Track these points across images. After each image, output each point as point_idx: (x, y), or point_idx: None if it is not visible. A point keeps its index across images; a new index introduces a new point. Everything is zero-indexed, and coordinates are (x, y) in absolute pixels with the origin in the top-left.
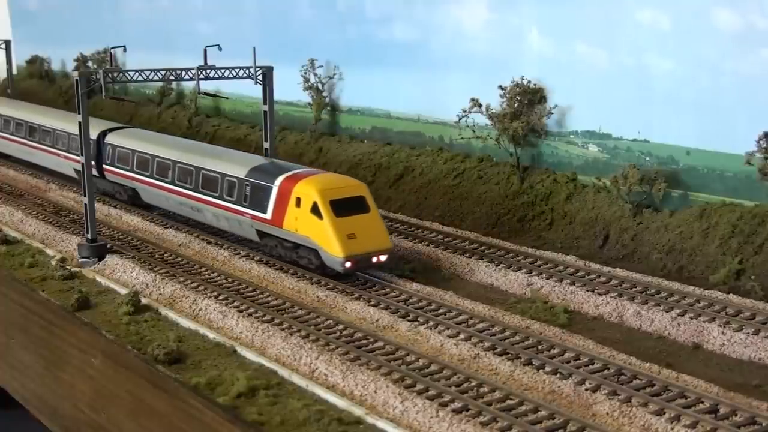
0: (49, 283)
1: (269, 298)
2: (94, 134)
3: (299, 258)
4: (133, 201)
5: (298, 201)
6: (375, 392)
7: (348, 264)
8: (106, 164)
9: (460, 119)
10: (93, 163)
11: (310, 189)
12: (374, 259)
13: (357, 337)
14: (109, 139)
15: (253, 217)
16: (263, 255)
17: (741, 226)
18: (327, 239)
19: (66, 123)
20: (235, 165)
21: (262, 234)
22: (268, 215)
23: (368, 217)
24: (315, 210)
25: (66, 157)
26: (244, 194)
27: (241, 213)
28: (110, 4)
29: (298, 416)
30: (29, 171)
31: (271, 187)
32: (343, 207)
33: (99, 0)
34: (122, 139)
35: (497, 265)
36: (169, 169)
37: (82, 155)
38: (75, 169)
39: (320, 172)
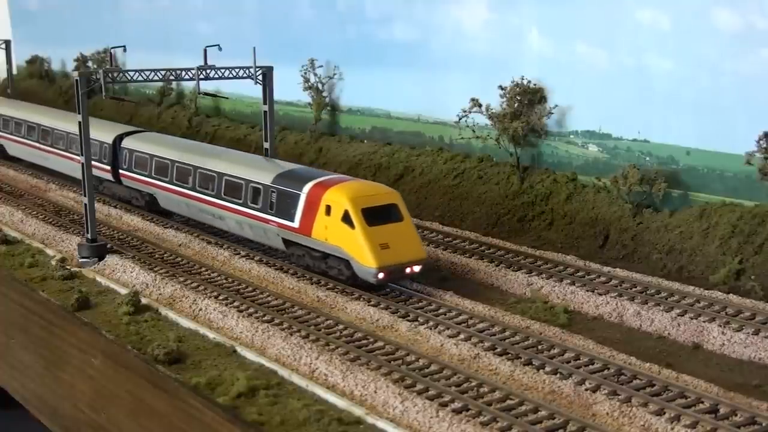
0: (49, 283)
1: (269, 298)
2: (109, 138)
3: (329, 268)
4: (151, 207)
5: (328, 209)
6: (375, 392)
7: (381, 275)
8: (122, 169)
9: (460, 119)
10: (109, 168)
11: (340, 196)
12: (408, 270)
13: (357, 337)
14: (126, 143)
15: (280, 225)
16: (263, 255)
17: (741, 226)
18: (359, 249)
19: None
20: (260, 171)
21: (288, 243)
22: (295, 223)
23: (401, 226)
24: (346, 218)
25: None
26: (270, 201)
27: (267, 221)
28: (110, 4)
29: (298, 416)
30: (29, 171)
31: (299, 195)
32: (376, 215)
33: (99, 0)
34: (140, 144)
35: (497, 265)
36: (189, 174)
37: (82, 155)
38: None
39: (350, 178)
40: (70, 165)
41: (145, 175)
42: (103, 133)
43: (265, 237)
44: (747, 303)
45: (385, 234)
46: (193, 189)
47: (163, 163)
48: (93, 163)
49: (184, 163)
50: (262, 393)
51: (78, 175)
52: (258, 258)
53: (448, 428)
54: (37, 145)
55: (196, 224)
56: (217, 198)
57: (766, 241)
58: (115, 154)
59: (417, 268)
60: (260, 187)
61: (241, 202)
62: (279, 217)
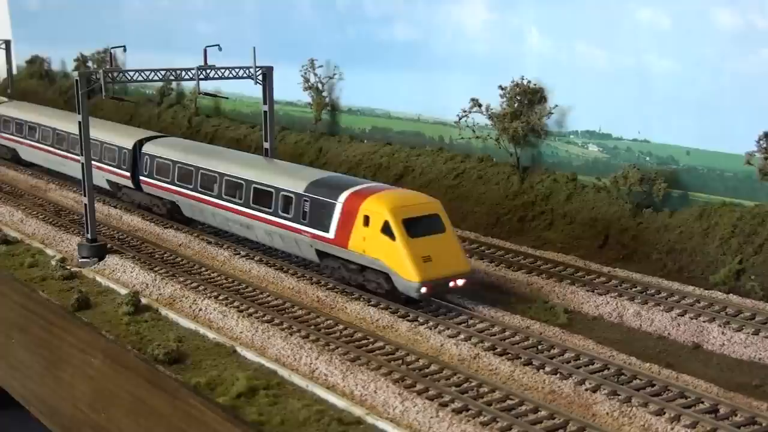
0: (49, 283)
1: (269, 298)
2: (129, 143)
3: (366, 282)
4: (172, 215)
5: (367, 219)
6: (375, 392)
7: (424, 289)
8: (143, 175)
9: (460, 119)
10: (128, 174)
11: (380, 206)
12: (451, 284)
13: (357, 337)
14: (147, 148)
15: (313, 236)
16: (263, 255)
17: (741, 226)
18: (400, 262)
19: (97, 131)
20: (291, 179)
21: (322, 254)
22: (330, 234)
23: (444, 238)
24: (386, 230)
25: (99, 168)
26: (303, 211)
27: (299, 231)
28: (110, 4)
29: (298, 416)
30: (29, 171)
31: (334, 204)
32: (417, 226)
33: (99, 0)
34: (161, 149)
35: (497, 265)
36: (215, 182)
37: (82, 155)
38: (108, 180)
39: (388, 187)
40: None
41: (167, 182)
42: (122, 138)
43: (297, 248)
44: (747, 303)
45: (428, 246)
46: (219, 197)
47: (186, 169)
48: (111, 169)
49: (210, 170)
50: (262, 393)
51: (96, 182)
52: (258, 258)
53: (448, 428)
54: (53, 149)
55: (196, 224)
56: (245, 206)
57: (766, 241)
58: (135, 159)
59: (460, 282)
60: (292, 195)
61: (271, 211)
62: (312, 228)
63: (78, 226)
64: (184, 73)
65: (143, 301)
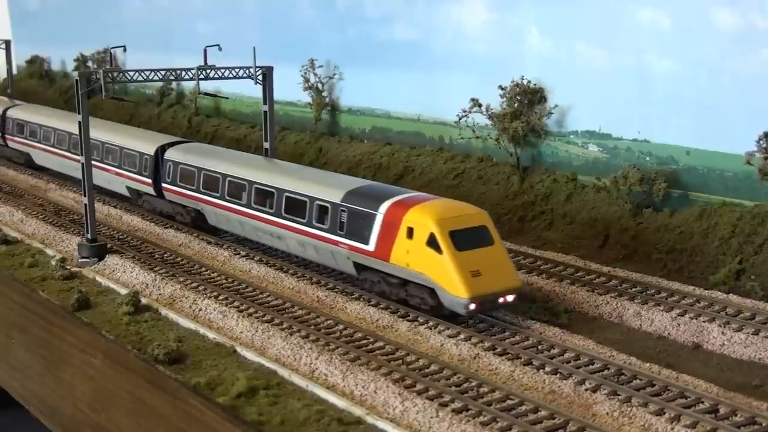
0: (49, 283)
1: (269, 298)
2: (151, 149)
3: (409, 297)
4: (196, 224)
5: (410, 231)
6: (375, 392)
7: (473, 306)
8: (165, 183)
9: (460, 119)
10: (150, 181)
11: (425, 218)
12: (500, 300)
13: (357, 337)
14: (170, 155)
15: (351, 248)
16: (263, 255)
17: (741, 226)
18: (447, 277)
19: (117, 135)
20: (327, 187)
21: (360, 267)
22: (370, 246)
23: (493, 251)
24: (432, 242)
25: (118, 174)
26: (340, 221)
27: (336, 243)
28: (110, 4)
29: (298, 416)
30: (29, 171)
31: (375, 215)
32: (465, 239)
33: (99, 0)
34: (185, 155)
35: None
36: (244, 190)
37: (82, 155)
38: (128, 187)
39: (431, 197)
40: (105, 177)
41: (191, 190)
42: (143, 143)
43: (333, 260)
44: (747, 303)
45: (476, 260)
46: (247, 206)
47: (213, 176)
48: (132, 175)
49: (238, 178)
50: (262, 393)
51: (112, 187)
52: (258, 258)
53: (448, 428)
54: (69, 154)
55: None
56: (276, 216)
57: (766, 241)
58: (156, 166)
59: (510, 298)
60: (328, 205)
61: (305, 221)
62: (350, 239)
63: (78, 226)
64: (184, 73)
65: (143, 301)
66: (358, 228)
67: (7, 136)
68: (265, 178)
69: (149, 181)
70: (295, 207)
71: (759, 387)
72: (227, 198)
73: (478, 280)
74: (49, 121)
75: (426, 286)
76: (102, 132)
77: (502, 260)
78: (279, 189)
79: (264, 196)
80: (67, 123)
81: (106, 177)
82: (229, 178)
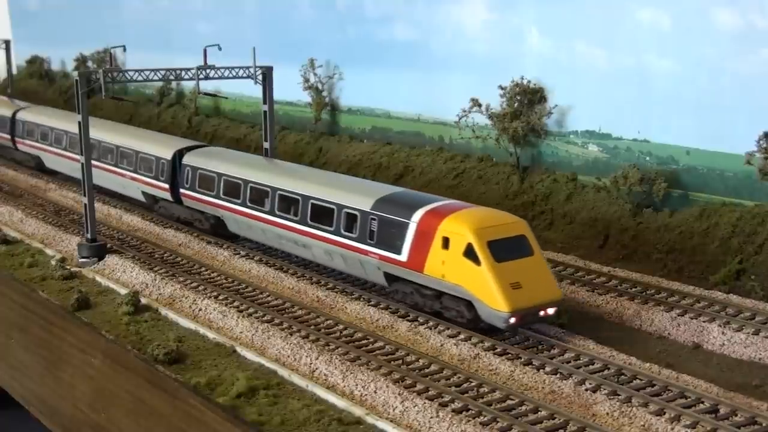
0: (49, 283)
1: (269, 298)
2: (168, 154)
3: (444, 309)
4: (216, 231)
5: (446, 241)
6: (375, 392)
7: (513, 320)
8: (183, 188)
9: (460, 119)
10: (167, 186)
11: (461, 227)
12: (541, 313)
13: (357, 337)
14: (189, 159)
15: (382, 257)
16: (263, 255)
17: (741, 226)
18: (486, 289)
19: (132, 139)
20: (356, 195)
21: (392, 278)
22: (402, 257)
23: (532, 261)
24: (470, 253)
25: (133, 179)
26: (369, 230)
27: (365, 252)
28: (110, 4)
29: (298, 416)
30: (29, 171)
31: (408, 224)
32: (504, 249)
33: (99, 0)
34: (205, 160)
35: None
36: (267, 196)
37: (81, 155)
38: (144, 193)
39: (466, 205)
40: (120, 182)
41: (211, 196)
42: (160, 147)
43: (362, 270)
44: (747, 303)
45: (516, 271)
46: (271, 213)
47: (234, 182)
48: (148, 180)
49: (261, 184)
50: (262, 393)
51: (127, 192)
52: (258, 258)
53: (448, 428)
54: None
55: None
56: (301, 224)
57: (766, 241)
58: (174, 171)
59: (551, 311)
60: (357, 213)
61: (332, 229)
62: (381, 249)
63: (78, 226)
64: (184, 73)
65: (143, 301)
66: (390, 237)
67: (17, 139)
68: (290, 184)
69: (166, 186)
70: (322, 214)
71: (759, 387)
72: (249, 205)
73: (519, 292)
74: (60, 123)
75: (462, 298)
76: (117, 135)
77: (542, 271)
78: (304, 196)
79: (288, 203)
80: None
81: (121, 182)
82: (251, 184)
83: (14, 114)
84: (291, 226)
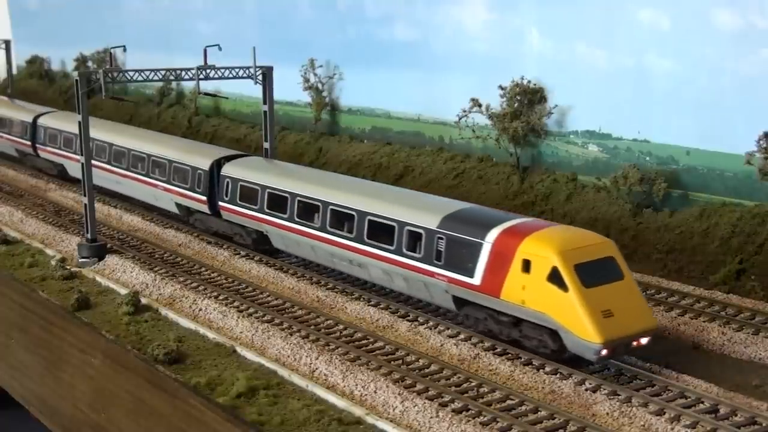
0: (49, 283)
1: (269, 298)
2: (206, 164)
3: (523, 338)
4: (258, 246)
5: (527, 264)
6: (375, 392)
7: (604, 352)
8: (222, 201)
9: (460, 119)
10: (204, 198)
11: (545, 249)
12: (634, 343)
13: (357, 337)
14: (228, 170)
15: (451, 280)
16: (263, 255)
17: (741, 226)
18: (574, 318)
19: (166, 148)
20: (420, 211)
21: (461, 302)
22: (475, 280)
23: (623, 286)
24: (555, 278)
25: (166, 189)
26: (436, 250)
27: (431, 274)
28: (110, 4)
29: (298, 416)
30: (29, 171)
31: (481, 244)
32: (592, 273)
33: (99, 0)
34: (246, 171)
35: None
36: (317, 211)
37: (81, 155)
38: (178, 204)
39: (547, 224)
40: (151, 192)
41: (254, 210)
42: (196, 157)
43: (426, 292)
44: (747, 303)
45: (606, 297)
46: (322, 229)
47: (279, 196)
48: (182, 191)
49: (310, 198)
50: (262, 393)
51: (159, 203)
52: (258, 258)
53: (448, 428)
54: (108, 167)
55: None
56: (357, 242)
57: (766, 240)
58: (212, 182)
59: (644, 340)
60: (422, 231)
61: (392, 248)
62: (450, 271)
63: (78, 226)
64: (184, 73)
65: (143, 301)
66: (460, 258)
67: (38, 145)
68: (343, 198)
69: (203, 198)
70: (381, 232)
71: (759, 387)
72: (297, 220)
73: (611, 321)
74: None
75: (545, 327)
76: (149, 144)
77: (634, 297)
78: (361, 212)
79: (342, 219)
80: (106, 133)
81: (152, 192)
82: (299, 198)
83: (35, 119)
84: (345, 244)
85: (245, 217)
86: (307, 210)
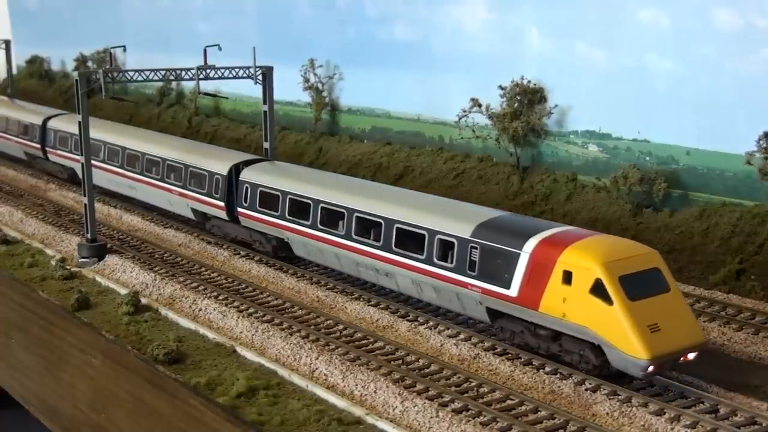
0: (49, 283)
1: (269, 298)
2: (224, 169)
3: (563, 352)
4: (278, 253)
5: (568, 276)
6: (375, 392)
7: (651, 368)
8: (241, 207)
9: (460, 119)
10: (222, 204)
11: (587, 260)
12: (681, 359)
13: (357, 337)
14: (247, 175)
15: (485, 291)
16: (263, 255)
17: (741, 226)
18: (619, 333)
19: (183, 153)
20: (451, 219)
21: (496, 314)
22: (512, 291)
23: (669, 298)
24: (598, 290)
25: (182, 194)
26: (470, 260)
27: (464, 285)
28: (110, 4)
29: (298, 416)
30: (29, 171)
31: (518, 254)
32: (637, 285)
33: (99, 0)
34: (267, 177)
35: None
36: (341, 218)
37: (81, 155)
38: (194, 210)
39: (588, 233)
40: (167, 197)
41: (274, 216)
42: (213, 161)
43: (458, 303)
44: (747, 303)
45: (652, 310)
46: (347, 237)
47: (302, 202)
48: (199, 197)
49: (334, 204)
50: (262, 393)
51: (174, 209)
52: (258, 258)
53: (448, 428)
54: (122, 171)
55: (196, 224)
56: (384, 250)
57: (766, 240)
58: (230, 187)
59: (692, 356)
60: (454, 240)
61: (423, 258)
62: (484, 282)
63: (78, 226)
64: (184, 73)
65: (143, 301)
66: (496, 269)
67: (48, 149)
68: (370, 205)
69: (221, 204)
70: (410, 241)
71: (759, 387)
72: (320, 227)
73: (658, 335)
74: (97, 133)
75: (587, 341)
76: (165, 148)
77: (681, 310)
78: (388, 219)
79: (368, 227)
80: (120, 136)
81: (167, 197)
82: (322, 205)
83: (45, 122)
84: (372, 252)
85: (265, 223)
86: (332, 217)
